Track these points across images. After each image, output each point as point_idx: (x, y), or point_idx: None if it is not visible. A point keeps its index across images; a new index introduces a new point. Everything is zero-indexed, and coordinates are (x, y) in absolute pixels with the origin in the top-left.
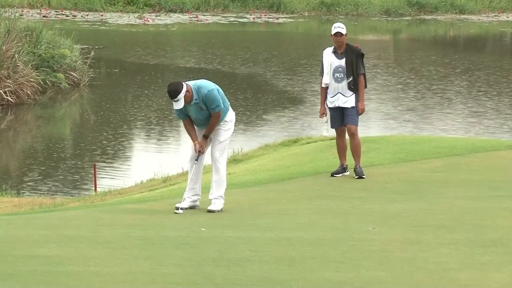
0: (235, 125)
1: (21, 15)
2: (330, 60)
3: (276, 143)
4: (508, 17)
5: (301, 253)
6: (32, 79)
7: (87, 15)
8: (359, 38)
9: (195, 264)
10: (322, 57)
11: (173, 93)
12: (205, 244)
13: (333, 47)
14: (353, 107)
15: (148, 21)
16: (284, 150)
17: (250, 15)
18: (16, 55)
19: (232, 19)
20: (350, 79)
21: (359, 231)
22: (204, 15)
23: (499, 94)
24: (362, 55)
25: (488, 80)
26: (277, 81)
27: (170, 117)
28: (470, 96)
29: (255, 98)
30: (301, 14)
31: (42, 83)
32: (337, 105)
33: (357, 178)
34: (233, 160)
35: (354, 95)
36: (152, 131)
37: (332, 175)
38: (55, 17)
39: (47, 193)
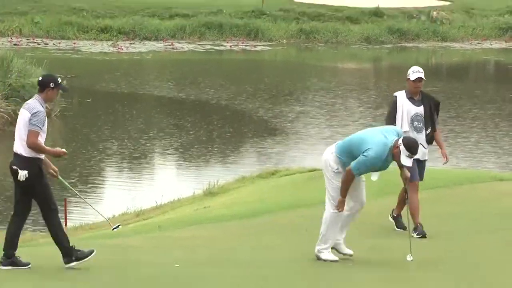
0: (212, 155)
1: None
2: (407, 107)
3: (253, 175)
4: (491, 45)
5: None
6: (1, 110)
7: (59, 43)
8: (339, 66)
9: None
10: (395, 101)
11: (417, 150)
12: (177, 281)
13: (404, 91)
14: (425, 160)
15: (122, 49)
16: (262, 182)
17: (227, 43)
18: None
19: (209, 47)
20: (429, 130)
21: (338, 270)
22: (179, 43)
23: (483, 123)
24: (439, 104)
25: (471, 108)
26: (254, 111)
27: (144, 149)
28: (453, 125)
29: (232, 128)
30: (279, 41)
31: (12, 113)
32: (417, 157)
33: (419, 237)
34: (209, 193)
35: (427, 148)
36: (125, 163)
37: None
38: (26, 45)
39: None
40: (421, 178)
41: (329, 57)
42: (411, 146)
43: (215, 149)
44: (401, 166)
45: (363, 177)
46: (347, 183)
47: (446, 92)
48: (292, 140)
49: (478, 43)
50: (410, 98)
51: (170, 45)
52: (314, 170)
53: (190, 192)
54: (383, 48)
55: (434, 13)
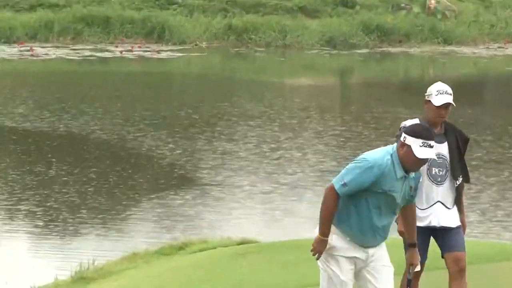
0: (85, 220)
1: None
2: None
3: (150, 251)
4: None
5: None
6: None
7: None
8: (287, 82)
9: None
10: None
11: (431, 133)
12: None
13: (418, 120)
14: (459, 226)
15: None
16: (164, 261)
17: (116, 46)
18: None
19: (88, 53)
20: (459, 180)
21: None
22: (43, 47)
23: (507, 168)
24: (468, 141)
25: (489, 146)
26: (155, 149)
27: (15, 209)
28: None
29: (118, 177)
30: (197, 44)
31: None
32: (432, 224)
33: None
34: (80, 279)
35: (456, 207)
36: None
37: None
38: None
39: None
40: (461, 249)
41: (272, 68)
42: (420, 131)
43: (91, 210)
44: (411, 234)
45: (387, 259)
46: (326, 207)
47: (451, 120)
48: (212, 196)
49: (499, 47)
50: None
51: (28, 51)
52: (246, 242)
53: (51, 278)
54: (355, 54)
55: (432, 1)
